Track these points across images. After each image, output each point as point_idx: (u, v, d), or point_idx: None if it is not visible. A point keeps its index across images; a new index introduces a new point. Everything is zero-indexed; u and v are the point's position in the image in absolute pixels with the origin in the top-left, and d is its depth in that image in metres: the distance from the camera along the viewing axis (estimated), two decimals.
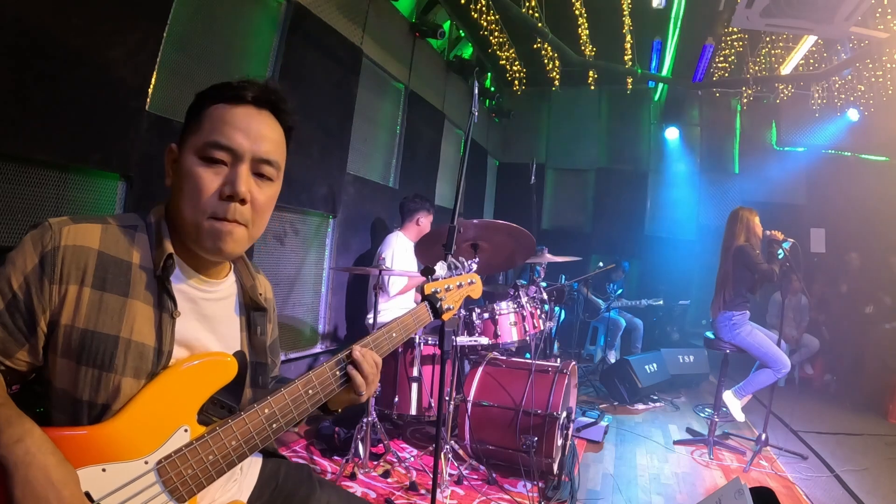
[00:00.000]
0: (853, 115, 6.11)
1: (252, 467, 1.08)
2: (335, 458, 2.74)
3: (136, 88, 2.24)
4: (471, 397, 2.75)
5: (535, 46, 5.79)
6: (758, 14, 3.30)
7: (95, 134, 2.10)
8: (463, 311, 2.85)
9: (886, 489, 2.87)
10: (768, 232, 3.32)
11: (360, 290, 4.01)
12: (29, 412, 0.78)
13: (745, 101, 6.56)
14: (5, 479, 0.68)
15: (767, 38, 5.37)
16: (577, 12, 5.13)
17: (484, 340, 2.84)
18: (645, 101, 7.39)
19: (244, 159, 0.88)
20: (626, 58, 5.77)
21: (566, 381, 2.69)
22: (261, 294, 1.06)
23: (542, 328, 3.16)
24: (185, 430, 0.84)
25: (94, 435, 0.78)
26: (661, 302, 5.79)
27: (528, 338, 2.96)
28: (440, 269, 1.33)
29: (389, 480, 2.54)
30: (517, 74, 6.49)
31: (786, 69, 5.46)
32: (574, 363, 2.95)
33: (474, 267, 1.41)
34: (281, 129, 0.95)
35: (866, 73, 5.29)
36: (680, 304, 6.40)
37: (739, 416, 3.42)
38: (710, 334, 3.56)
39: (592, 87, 6.49)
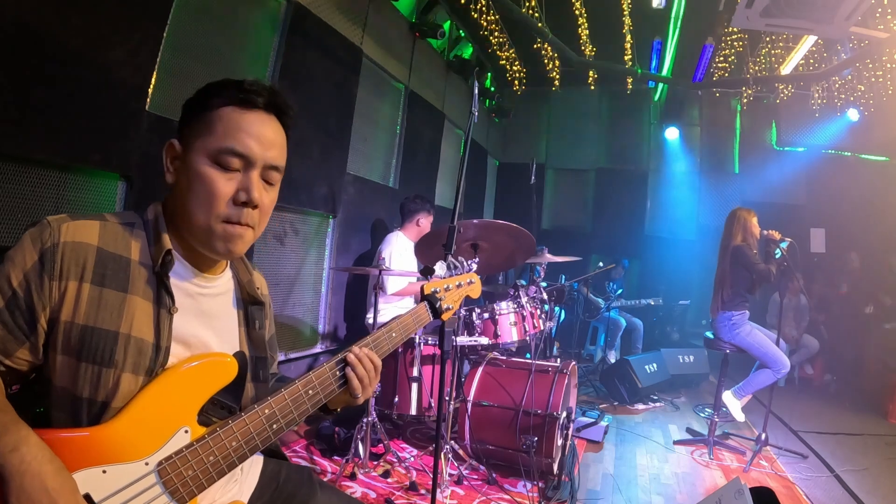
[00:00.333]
0: (853, 115, 6.11)
1: (253, 468, 1.08)
2: (335, 458, 2.74)
3: (136, 88, 2.23)
4: (471, 397, 2.75)
5: (535, 46, 5.79)
6: (758, 14, 3.30)
7: (95, 134, 2.10)
8: (463, 311, 2.84)
9: (886, 489, 2.87)
10: (766, 232, 3.33)
11: (359, 290, 4.01)
12: (29, 412, 0.78)
13: (745, 101, 6.56)
14: (1, 488, 0.68)
15: (767, 38, 5.37)
16: (577, 12, 5.13)
17: (484, 340, 2.84)
18: (645, 101, 7.39)
19: (256, 166, 0.89)
20: (626, 58, 5.77)
21: (566, 381, 2.70)
22: (258, 289, 1.07)
23: (542, 328, 3.15)
24: (186, 431, 0.84)
25: (94, 436, 0.78)
26: (660, 301, 5.79)
27: (528, 338, 2.96)
28: (439, 268, 1.33)
29: (389, 480, 2.54)
30: (517, 74, 6.49)
31: (786, 69, 5.46)
32: (574, 363, 2.95)
33: (474, 267, 1.41)
34: (284, 134, 0.96)
35: (866, 73, 5.29)
36: (680, 304, 6.40)
37: (739, 416, 3.43)
38: (709, 334, 3.56)
39: (592, 87, 6.49)
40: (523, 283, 3.48)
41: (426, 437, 3.20)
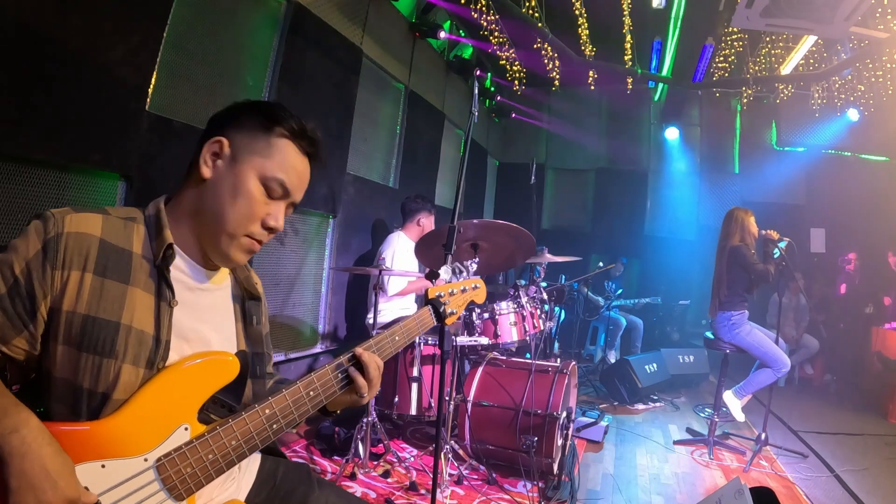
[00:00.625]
0: (853, 115, 6.11)
1: (250, 466, 1.08)
2: (335, 458, 2.74)
3: (136, 88, 2.24)
4: (471, 397, 2.75)
5: (535, 46, 5.79)
6: (758, 14, 3.30)
7: (95, 134, 2.10)
8: (463, 312, 2.84)
9: (886, 489, 2.87)
10: (764, 231, 3.32)
11: (360, 290, 4.01)
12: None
13: (745, 101, 6.56)
14: (2, 469, 0.69)
15: (767, 38, 5.37)
16: (577, 12, 5.13)
17: (484, 340, 2.84)
18: (645, 101, 7.39)
19: (289, 200, 0.98)
20: (626, 58, 5.77)
21: (566, 381, 2.69)
22: (255, 284, 1.10)
23: (542, 328, 3.16)
24: (186, 429, 0.85)
25: (94, 431, 0.78)
26: (658, 300, 5.79)
27: (528, 338, 2.96)
28: (444, 273, 1.33)
29: (389, 480, 2.54)
30: (517, 74, 6.49)
31: (786, 69, 5.46)
32: (574, 363, 2.95)
33: (474, 267, 1.41)
34: None
35: (866, 73, 5.29)
36: (680, 304, 6.41)
37: (739, 416, 3.42)
38: (709, 334, 3.56)
39: (592, 87, 6.48)
40: (523, 283, 3.48)
41: (426, 437, 3.20)
